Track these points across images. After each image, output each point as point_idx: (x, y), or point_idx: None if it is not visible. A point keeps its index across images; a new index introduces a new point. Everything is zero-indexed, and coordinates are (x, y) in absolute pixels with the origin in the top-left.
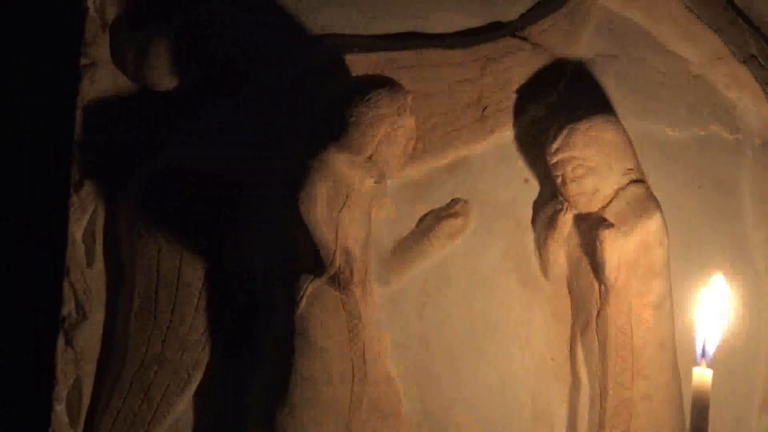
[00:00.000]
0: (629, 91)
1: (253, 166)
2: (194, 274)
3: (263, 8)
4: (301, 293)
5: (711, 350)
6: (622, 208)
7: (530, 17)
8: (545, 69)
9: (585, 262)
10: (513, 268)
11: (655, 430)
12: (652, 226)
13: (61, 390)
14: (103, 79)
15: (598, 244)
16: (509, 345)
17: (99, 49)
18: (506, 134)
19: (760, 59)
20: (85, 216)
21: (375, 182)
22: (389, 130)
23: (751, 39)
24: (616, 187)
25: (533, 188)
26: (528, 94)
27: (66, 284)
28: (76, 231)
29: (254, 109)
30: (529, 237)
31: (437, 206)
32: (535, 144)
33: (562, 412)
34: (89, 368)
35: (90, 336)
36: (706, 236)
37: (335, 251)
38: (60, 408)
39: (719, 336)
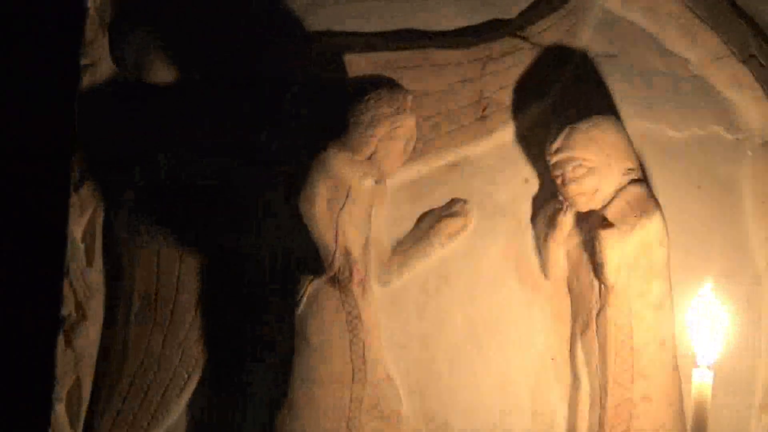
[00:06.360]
0: (629, 91)
1: (252, 167)
2: (194, 275)
3: (263, 8)
4: (301, 293)
5: (711, 355)
6: (622, 208)
7: (530, 16)
8: (545, 69)
9: (585, 262)
10: (513, 268)
11: (654, 431)
12: (651, 226)
13: (61, 390)
14: (103, 79)
15: (597, 244)
16: (509, 345)
17: (99, 49)
18: (506, 134)
19: (760, 59)
20: (85, 216)
21: (375, 182)
22: (389, 130)
23: (751, 38)
24: (616, 187)
25: (533, 188)
26: (528, 94)
27: (66, 284)
28: (76, 231)
29: (254, 109)
30: (529, 237)
31: (437, 206)
32: (535, 144)
33: (562, 412)
34: (89, 368)
35: (90, 336)
36: (706, 236)
37: (335, 251)
38: (60, 408)
39: (719, 344)
